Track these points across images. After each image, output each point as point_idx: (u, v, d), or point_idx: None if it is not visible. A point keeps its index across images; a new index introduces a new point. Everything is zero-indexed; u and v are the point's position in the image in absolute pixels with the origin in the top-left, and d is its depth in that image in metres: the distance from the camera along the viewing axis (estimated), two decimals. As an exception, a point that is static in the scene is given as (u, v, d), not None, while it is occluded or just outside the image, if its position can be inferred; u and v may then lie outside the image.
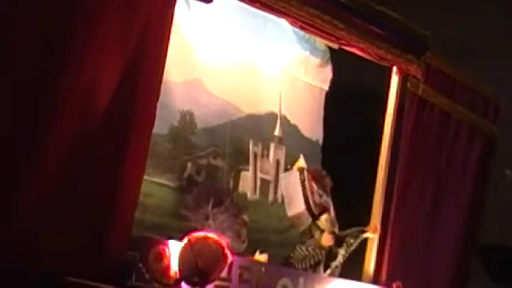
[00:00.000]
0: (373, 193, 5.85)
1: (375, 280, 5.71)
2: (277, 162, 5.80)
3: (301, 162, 5.77)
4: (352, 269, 5.65)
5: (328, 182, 5.76)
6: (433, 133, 6.27)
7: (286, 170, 5.80)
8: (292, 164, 5.79)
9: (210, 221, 4.94)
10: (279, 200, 5.74)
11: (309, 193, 5.58)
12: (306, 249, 5.46)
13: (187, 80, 5.28)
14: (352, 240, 5.56)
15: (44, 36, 3.95)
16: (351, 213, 5.66)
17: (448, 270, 6.40)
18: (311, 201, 5.57)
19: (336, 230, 5.58)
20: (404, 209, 5.97)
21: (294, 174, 5.69)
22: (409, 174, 6.03)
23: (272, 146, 5.77)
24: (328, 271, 5.48)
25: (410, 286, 5.76)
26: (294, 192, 5.64)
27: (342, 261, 5.54)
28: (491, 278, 6.86)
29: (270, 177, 5.75)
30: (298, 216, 5.61)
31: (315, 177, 5.69)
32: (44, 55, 3.95)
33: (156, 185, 4.98)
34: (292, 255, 5.46)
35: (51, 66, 3.96)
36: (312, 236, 5.53)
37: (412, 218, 6.06)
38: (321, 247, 5.48)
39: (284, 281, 4.94)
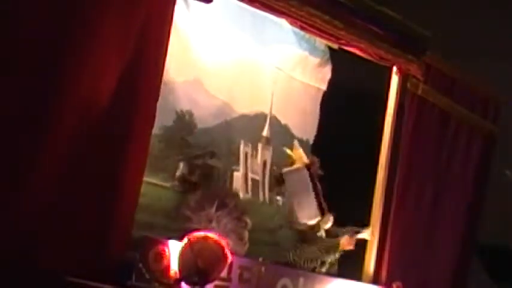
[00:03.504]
0: (373, 193, 5.85)
1: (375, 280, 5.71)
2: (264, 163, 5.78)
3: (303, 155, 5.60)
4: (352, 269, 5.65)
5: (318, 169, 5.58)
6: (433, 133, 6.28)
7: (272, 169, 5.74)
8: (278, 164, 5.72)
9: (214, 224, 4.93)
10: (267, 199, 5.69)
11: (319, 192, 5.41)
12: (318, 250, 5.35)
13: (186, 80, 5.28)
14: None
15: (44, 36, 3.95)
16: (351, 213, 5.65)
17: (447, 270, 6.41)
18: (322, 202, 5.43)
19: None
20: (404, 209, 5.98)
21: (302, 171, 5.49)
22: (409, 174, 6.03)
23: (260, 147, 5.77)
24: (324, 268, 5.38)
25: (410, 286, 5.75)
26: (303, 193, 5.47)
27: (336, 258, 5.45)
28: (491, 278, 6.87)
29: (259, 177, 5.73)
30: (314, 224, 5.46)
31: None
32: (44, 55, 3.94)
33: (150, 185, 4.90)
34: (294, 253, 5.34)
35: (51, 66, 3.96)
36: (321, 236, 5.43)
37: (412, 218, 6.07)
38: (329, 248, 5.39)
39: (284, 281, 4.93)
